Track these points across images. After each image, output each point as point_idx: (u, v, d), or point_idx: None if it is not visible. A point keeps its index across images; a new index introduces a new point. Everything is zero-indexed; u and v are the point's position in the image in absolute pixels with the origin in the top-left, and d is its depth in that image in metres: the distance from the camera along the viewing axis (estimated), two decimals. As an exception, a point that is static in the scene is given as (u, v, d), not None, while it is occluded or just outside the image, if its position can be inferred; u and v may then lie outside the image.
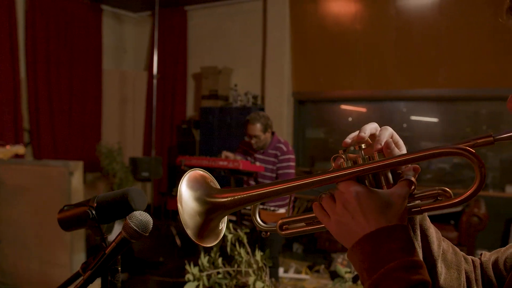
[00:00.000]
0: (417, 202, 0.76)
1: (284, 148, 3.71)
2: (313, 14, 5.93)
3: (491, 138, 0.69)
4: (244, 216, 3.25)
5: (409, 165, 0.75)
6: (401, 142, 0.80)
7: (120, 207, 0.97)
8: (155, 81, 5.67)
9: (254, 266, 1.94)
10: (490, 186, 5.43)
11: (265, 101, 6.26)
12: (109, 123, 7.11)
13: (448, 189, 0.76)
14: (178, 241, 5.41)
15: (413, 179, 0.74)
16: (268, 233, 0.88)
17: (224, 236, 2.06)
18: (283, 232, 0.84)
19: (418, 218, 0.83)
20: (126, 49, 7.51)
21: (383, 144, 0.76)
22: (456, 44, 5.08)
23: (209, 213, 0.79)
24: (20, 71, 5.73)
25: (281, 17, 6.05)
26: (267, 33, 6.20)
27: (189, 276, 1.84)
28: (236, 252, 2.01)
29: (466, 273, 0.88)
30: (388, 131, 0.78)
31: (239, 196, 0.79)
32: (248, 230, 2.07)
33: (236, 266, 2.07)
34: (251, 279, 1.92)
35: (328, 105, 6.45)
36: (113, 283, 1.01)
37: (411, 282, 0.62)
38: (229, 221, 2.18)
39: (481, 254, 0.94)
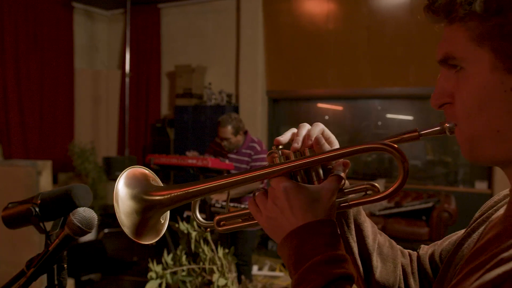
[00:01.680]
0: (346, 197, 0.77)
1: (258, 148, 3.71)
2: (286, 12, 5.96)
3: (416, 134, 0.71)
4: (214, 214, 3.25)
5: (339, 160, 0.77)
6: (333, 138, 0.81)
7: (63, 204, 0.96)
8: (127, 80, 5.61)
9: (218, 263, 1.95)
10: (460, 182, 5.55)
11: (239, 99, 6.26)
12: (82, 122, 7.01)
13: (376, 184, 0.78)
14: (152, 241, 5.37)
15: (342, 174, 0.75)
16: (208, 229, 0.89)
17: (189, 233, 2.05)
18: (220, 228, 0.85)
19: (352, 212, 0.84)
20: (98, 48, 7.41)
21: (313, 139, 0.77)
22: (426, 43, 5.16)
23: (146, 210, 0.78)
24: (-12, 70, 5.61)
25: (254, 15, 6.06)
26: (240, 32, 6.20)
27: (152, 274, 1.83)
28: (200, 250, 2.01)
29: (402, 266, 0.89)
30: (319, 127, 0.80)
31: (175, 193, 0.79)
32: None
33: (201, 263, 2.06)
34: (215, 276, 1.92)
35: (303, 103, 6.49)
36: (60, 281, 1.00)
37: (334, 276, 0.64)
38: (193, 218, 2.17)
39: (419, 248, 0.96)
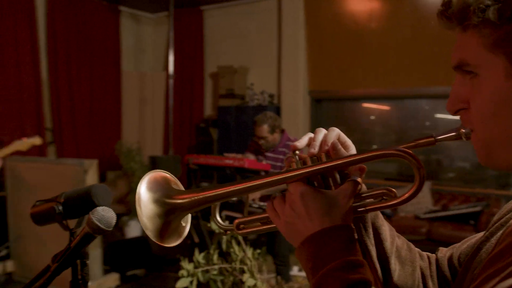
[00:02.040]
0: (363, 201, 0.78)
1: None
2: (328, 11, 5.90)
3: (432, 139, 0.72)
4: (251, 214, 3.27)
5: (356, 165, 0.77)
6: (349, 142, 0.82)
7: (84, 203, 1.00)
8: (171, 81, 5.75)
9: (248, 263, 1.96)
10: (512, 184, 5.30)
11: (281, 99, 6.26)
12: (129, 123, 7.24)
13: (393, 189, 0.78)
14: (195, 238, 5.47)
15: (359, 179, 0.76)
16: (228, 231, 0.91)
17: (220, 233, 2.08)
18: (240, 232, 0.87)
19: (369, 216, 0.84)
20: (144, 50, 7.62)
21: (329, 144, 0.78)
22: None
23: (168, 214, 0.80)
24: (41, 72, 5.89)
25: (296, 15, 6.04)
26: (282, 32, 6.20)
27: (183, 272, 1.87)
28: (231, 250, 2.03)
29: (421, 269, 0.89)
30: (335, 132, 0.80)
31: (195, 198, 0.81)
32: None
33: (233, 263, 2.09)
34: (245, 276, 1.94)
35: (347, 103, 6.40)
36: (83, 276, 1.05)
37: (351, 281, 0.64)
38: (225, 217, 2.20)
39: (437, 250, 0.95)
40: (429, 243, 4.58)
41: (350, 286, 0.64)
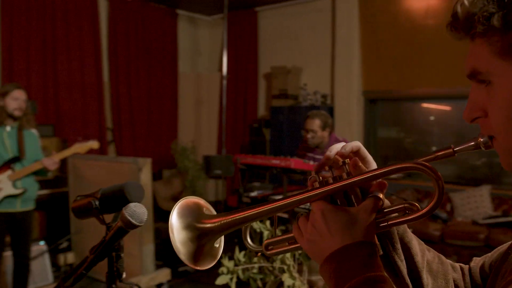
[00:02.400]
0: (385, 217, 0.78)
1: None
2: (383, 10, 5.77)
3: (451, 150, 0.72)
4: (296, 212, 3.28)
5: (377, 181, 0.78)
6: (369, 158, 0.83)
7: (118, 199, 1.06)
8: (225, 82, 5.85)
9: (288, 262, 1.97)
10: None
11: (334, 100, 6.20)
12: (185, 123, 7.44)
13: (415, 203, 0.78)
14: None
15: (380, 195, 0.76)
16: (259, 253, 0.94)
17: (261, 232, 2.11)
18: (269, 252, 0.89)
19: (397, 232, 0.84)
20: (201, 52, 7.79)
21: (347, 150, 0.79)
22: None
23: (200, 238, 0.83)
24: (103, 75, 6.19)
25: (349, 14, 5.96)
26: (336, 32, 6.14)
27: (223, 269, 1.91)
28: (272, 249, 2.04)
29: (454, 281, 0.88)
30: (355, 143, 0.82)
31: (225, 221, 0.84)
32: (284, 228, 2.11)
33: (274, 263, 2.10)
34: (284, 276, 1.95)
35: (402, 103, 6.23)
36: (117, 268, 1.11)
37: None
38: (268, 218, 2.21)
39: (471, 260, 0.94)
40: (487, 250, 4.35)
41: None
